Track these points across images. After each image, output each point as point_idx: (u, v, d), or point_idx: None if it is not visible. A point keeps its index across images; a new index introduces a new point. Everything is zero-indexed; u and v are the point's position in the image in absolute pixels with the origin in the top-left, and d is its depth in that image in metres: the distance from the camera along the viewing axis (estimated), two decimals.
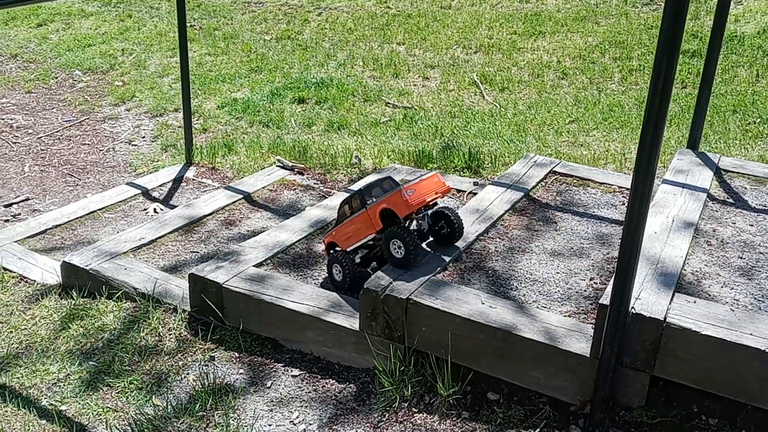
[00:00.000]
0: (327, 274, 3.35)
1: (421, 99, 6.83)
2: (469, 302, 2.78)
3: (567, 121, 6.06)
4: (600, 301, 2.52)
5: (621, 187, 3.98)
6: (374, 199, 3.11)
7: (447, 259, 3.10)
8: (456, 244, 3.23)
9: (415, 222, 3.12)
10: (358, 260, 3.27)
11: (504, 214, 3.61)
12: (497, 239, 3.37)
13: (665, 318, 2.46)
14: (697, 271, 2.91)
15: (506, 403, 2.74)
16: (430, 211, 3.12)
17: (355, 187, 4.40)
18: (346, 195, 3.24)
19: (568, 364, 2.57)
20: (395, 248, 2.97)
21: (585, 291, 2.94)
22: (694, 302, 2.59)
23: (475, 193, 4.20)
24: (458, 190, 4.32)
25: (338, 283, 3.26)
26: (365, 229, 3.13)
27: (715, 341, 2.39)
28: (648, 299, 2.56)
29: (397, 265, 2.99)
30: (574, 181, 4.08)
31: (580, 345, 2.57)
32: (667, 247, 3.00)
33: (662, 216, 3.31)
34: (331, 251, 3.35)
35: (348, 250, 3.23)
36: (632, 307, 2.48)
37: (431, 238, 3.20)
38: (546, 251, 3.27)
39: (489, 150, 5.30)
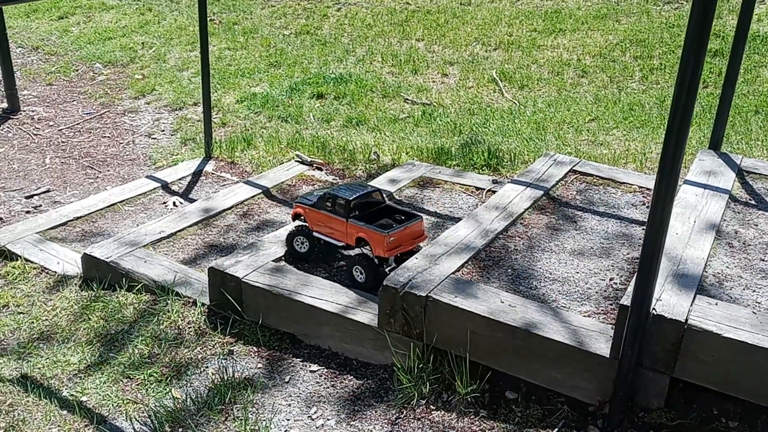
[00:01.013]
0: (286, 241, 3.47)
1: (439, 96, 6.82)
2: (488, 300, 2.77)
3: (587, 119, 6.03)
4: (621, 302, 2.51)
5: (642, 187, 3.96)
6: (357, 213, 3.25)
7: (467, 257, 3.10)
8: (475, 242, 3.22)
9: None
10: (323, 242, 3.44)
11: (524, 212, 3.60)
12: (517, 238, 3.36)
13: (686, 320, 2.45)
14: (718, 273, 2.89)
15: (524, 402, 2.74)
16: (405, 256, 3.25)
17: (375, 183, 4.40)
18: (332, 190, 3.34)
19: (587, 364, 2.56)
20: (357, 273, 3.22)
21: (605, 291, 2.93)
22: (716, 304, 2.57)
23: (494, 191, 4.19)
24: (477, 188, 4.32)
25: (301, 255, 3.43)
26: (338, 233, 3.31)
27: (737, 344, 2.37)
28: (669, 300, 2.55)
29: (356, 286, 3.21)
30: (595, 180, 4.06)
31: (600, 345, 2.56)
32: (689, 248, 2.98)
33: (684, 217, 3.29)
34: (297, 222, 3.48)
35: (314, 233, 3.40)
36: (653, 308, 2.47)
37: (393, 264, 3.28)
38: (566, 250, 3.26)
39: (508, 148, 5.28)
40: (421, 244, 3.33)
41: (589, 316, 2.75)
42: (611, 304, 2.82)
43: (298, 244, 3.43)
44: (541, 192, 3.82)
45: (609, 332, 2.60)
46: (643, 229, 3.46)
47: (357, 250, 3.33)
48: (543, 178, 4.00)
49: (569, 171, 4.14)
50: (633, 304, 2.41)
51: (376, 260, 3.20)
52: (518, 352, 2.67)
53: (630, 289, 2.52)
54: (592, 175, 4.11)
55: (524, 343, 2.64)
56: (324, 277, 3.31)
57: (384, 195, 3.41)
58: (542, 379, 2.69)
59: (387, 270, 3.22)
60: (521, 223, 3.51)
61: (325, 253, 3.52)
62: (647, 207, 3.74)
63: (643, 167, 4.88)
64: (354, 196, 3.26)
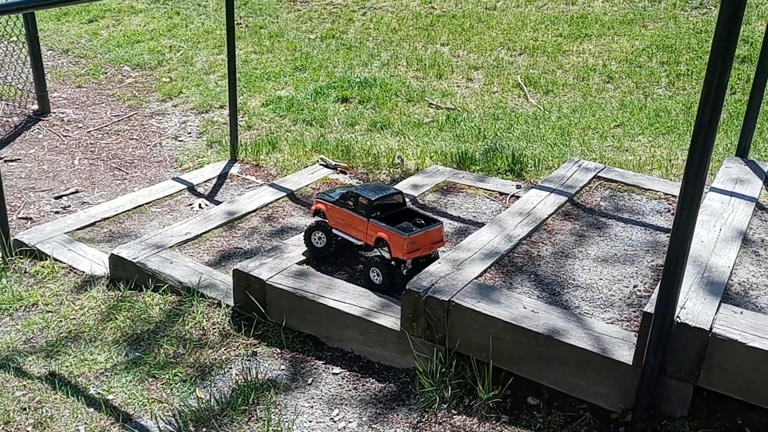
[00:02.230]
0: (304, 235, 3.55)
1: (464, 100, 6.82)
2: (511, 306, 2.78)
3: (612, 125, 6.00)
4: (645, 309, 2.50)
5: (667, 194, 3.94)
6: (378, 214, 3.30)
7: (489, 262, 3.10)
8: (499, 247, 3.23)
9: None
10: (340, 239, 3.49)
11: (547, 218, 3.60)
12: (540, 243, 3.36)
13: (711, 328, 2.43)
14: (744, 281, 2.87)
15: (546, 408, 2.74)
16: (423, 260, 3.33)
17: (399, 187, 4.42)
18: (355, 189, 3.40)
19: (610, 372, 2.55)
20: (374, 275, 3.26)
21: (628, 298, 2.92)
22: (741, 313, 2.55)
23: (517, 197, 4.19)
24: (501, 193, 4.32)
25: (318, 250, 3.50)
26: (357, 232, 3.36)
27: (762, 353, 2.35)
28: (694, 308, 2.53)
29: (371, 288, 3.25)
30: (620, 186, 4.04)
31: (623, 352, 2.55)
32: (714, 256, 2.96)
33: (709, 224, 3.27)
34: (317, 218, 3.56)
35: (333, 231, 3.46)
36: (677, 316, 2.46)
37: (410, 266, 3.33)
38: (589, 257, 3.25)
39: (532, 153, 5.28)
40: (439, 250, 3.35)
41: (612, 323, 2.74)
42: (634, 312, 2.81)
43: (315, 239, 3.49)
44: (566, 198, 3.82)
45: (632, 339, 2.59)
46: (667, 236, 3.45)
47: (375, 252, 3.36)
48: (567, 184, 3.99)
49: (594, 177, 4.13)
50: (657, 312, 2.41)
51: (393, 262, 3.24)
52: (541, 358, 2.67)
53: (654, 296, 2.51)
54: (617, 181, 4.10)
55: (547, 349, 2.64)
56: (347, 281, 3.33)
57: (405, 198, 3.44)
58: (564, 386, 2.69)
59: (404, 272, 3.25)
60: (545, 229, 3.51)
61: (340, 252, 3.56)
62: (672, 214, 3.71)
63: (668, 174, 4.85)
64: (377, 196, 3.30)
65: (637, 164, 5.02)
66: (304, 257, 3.48)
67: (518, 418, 2.71)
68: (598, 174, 4.17)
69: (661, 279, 2.38)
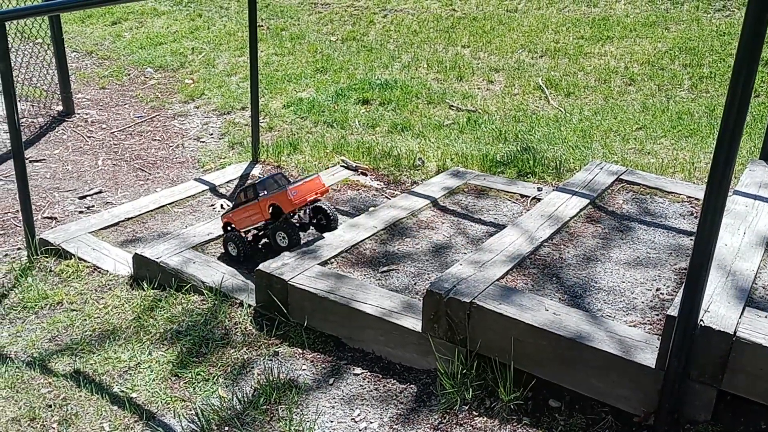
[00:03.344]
0: (223, 249, 3.91)
1: (485, 102, 6.82)
2: (533, 308, 2.77)
3: (634, 128, 5.97)
4: (668, 313, 2.49)
5: (690, 197, 3.92)
6: (266, 192, 3.72)
7: (511, 264, 3.10)
8: (521, 249, 3.23)
9: (298, 215, 3.81)
10: (250, 238, 3.93)
11: (569, 221, 3.59)
12: (562, 246, 3.35)
13: (735, 332, 2.42)
14: None
15: (568, 410, 2.73)
16: (310, 206, 3.79)
17: (418, 189, 4.43)
18: (241, 188, 3.86)
19: (632, 375, 2.54)
20: (280, 239, 3.67)
21: (651, 301, 2.90)
22: (766, 317, 2.53)
23: (539, 199, 4.18)
24: (522, 196, 4.31)
25: (234, 258, 3.83)
26: (257, 216, 3.77)
27: None
28: (717, 312, 2.52)
29: (281, 251, 3.57)
30: (642, 189, 4.02)
31: (646, 356, 2.54)
32: (738, 259, 2.94)
33: (733, 228, 3.25)
34: (227, 229, 3.94)
35: (242, 230, 3.86)
36: (701, 320, 2.44)
37: (312, 228, 3.85)
38: (612, 260, 3.24)
39: (554, 155, 5.26)
40: (321, 198, 3.78)
41: (635, 326, 2.73)
42: (657, 315, 2.80)
43: (231, 248, 3.85)
44: (588, 200, 3.80)
45: (655, 343, 2.58)
46: (691, 239, 3.43)
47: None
48: (589, 187, 3.98)
49: (616, 180, 4.11)
50: (680, 315, 2.39)
51: (294, 219, 3.68)
52: (562, 361, 2.67)
53: (677, 299, 2.50)
54: (639, 184, 4.08)
55: (569, 351, 2.64)
56: (369, 282, 3.34)
57: (288, 178, 3.92)
58: (586, 389, 2.68)
59: (305, 225, 3.78)
60: (567, 232, 3.50)
61: (253, 253, 3.90)
62: (695, 217, 3.69)
63: (691, 177, 4.82)
64: (260, 180, 3.79)
65: (660, 167, 4.99)
66: (326, 258, 3.49)
67: (539, 420, 2.71)
68: (621, 176, 4.15)
69: (685, 282, 2.37)
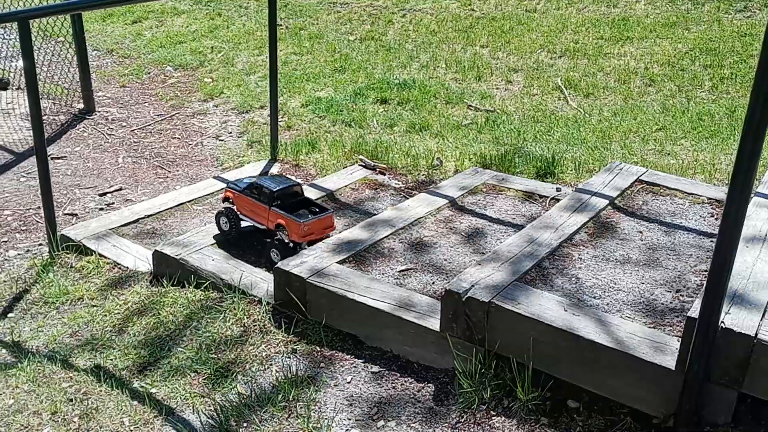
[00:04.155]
0: (215, 219, 4.03)
1: (503, 103, 6.81)
2: (551, 309, 2.77)
3: (654, 129, 5.94)
4: (688, 314, 2.47)
5: (710, 199, 3.89)
6: (278, 202, 3.81)
7: (530, 264, 3.10)
8: (539, 249, 3.22)
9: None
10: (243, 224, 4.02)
11: (588, 221, 3.58)
12: (581, 246, 3.34)
13: (756, 334, 2.40)
14: None
15: (586, 411, 2.72)
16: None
17: (436, 188, 4.43)
18: (258, 181, 3.94)
19: (652, 376, 2.53)
20: (274, 255, 3.75)
21: (671, 303, 2.89)
22: None
23: (557, 200, 4.17)
24: (540, 196, 4.30)
25: (225, 232, 3.97)
26: (260, 218, 3.88)
27: None
28: (738, 314, 2.50)
29: (271, 266, 3.59)
30: (662, 190, 4.00)
31: (666, 357, 2.53)
32: (759, 261, 2.92)
33: (754, 230, 3.22)
34: (226, 204, 4.04)
35: (240, 215, 3.97)
36: (722, 322, 2.43)
37: (306, 248, 3.72)
38: (631, 261, 3.23)
39: (572, 156, 5.24)
40: (330, 234, 3.84)
41: (654, 327, 2.72)
42: (677, 317, 2.78)
43: (222, 223, 3.98)
44: (607, 201, 3.79)
45: (675, 344, 2.57)
46: (711, 241, 3.41)
47: (277, 236, 3.83)
48: (609, 187, 3.96)
49: (635, 181, 4.09)
50: (701, 317, 2.38)
51: (291, 244, 3.74)
52: (581, 361, 2.66)
53: (698, 301, 2.49)
54: (659, 185, 4.06)
55: (588, 352, 2.63)
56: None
57: (303, 188, 4.01)
58: (605, 389, 2.67)
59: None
60: (586, 232, 3.49)
61: (244, 235, 4.01)
62: (716, 219, 3.67)
63: (711, 178, 4.79)
64: (277, 187, 3.84)
65: (680, 168, 4.96)
66: (345, 256, 3.50)
67: (558, 420, 2.70)
68: (640, 178, 4.13)
69: (706, 284, 2.36)
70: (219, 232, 4.00)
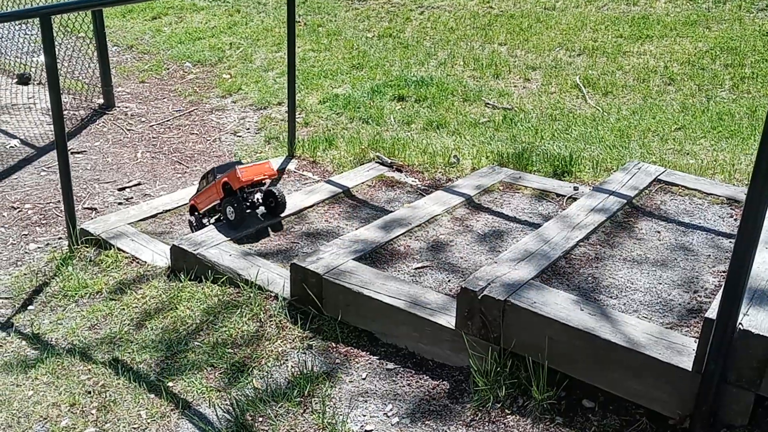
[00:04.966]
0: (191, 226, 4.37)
1: (521, 100, 6.78)
2: (567, 308, 2.76)
3: (673, 128, 5.90)
4: (706, 315, 2.46)
5: (729, 199, 3.86)
6: (220, 176, 4.12)
7: (546, 263, 3.09)
8: (556, 248, 3.21)
9: (251, 198, 4.15)
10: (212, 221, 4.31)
11: (605, 221, 3.56)
12: (598, 246, 3.33)
13: None
14: None
15: (602, 411, 2.72)
16: (264, 188, 4.18)
17: (453, 186, 4.43)
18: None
19: (668, 377, 2.52)
20: (229, 212, 3.99)
21: (688, 303, 2.87)
22: None
23: (575, 198, 4.16)
24: (558, 195, 4.29)
25: (194, 227, 4.31)
26: (215, 195, 4.15)
27: None
28: (756, 316, 2.49)
29: (229, 225, 4.01)
30: (681, 190, 3.98)
31: (683, 358, 2.51)
32: None
33: None
34: (194, 213, 4.42)
35: (202, 211, 4.30)
36: (740, 323, 2.41)
37: (264, 210, 4.20)
38: (648, 261, 3.21)
39: (590, 155, 5.22)
40: (268, 181, 4.17)
41: (671, 327, 2.70)
42: (695, 318, 2.77)
43: (195, 226, 4.31)
44: (624, 201, 3.77)
45: (692, 345, 2.56)
46: (729, 241, 3.38)
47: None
48: (626, 187, 3.94)
49: (654, 180, 4.07)
50: (719, 318, 2.37)
51: (240, 197, 4.02)
52: (597, 361, 2.65)
53: (715, 302, 2.47)
54: (678, 185, 4.03)
55: (604, 352, 2.62)
56: (403, 279, 3.36)
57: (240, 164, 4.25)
58: (621, 390, 2.66)
59: (252, 206, 4.13)
60: (602, 232, 3.47)
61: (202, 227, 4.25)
62: (735, 219, 3.64)
63: (731, 179, 4.75)
64: (218, 165, 4.22)
65: (699, 168, 4.93)
66: (361, 253, 3.51)
67: (573, 420, 2.70)
68: (659, 177, 4.11)
69: (724, 285, 2.34)
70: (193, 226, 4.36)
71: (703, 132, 5.76)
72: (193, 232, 4.19)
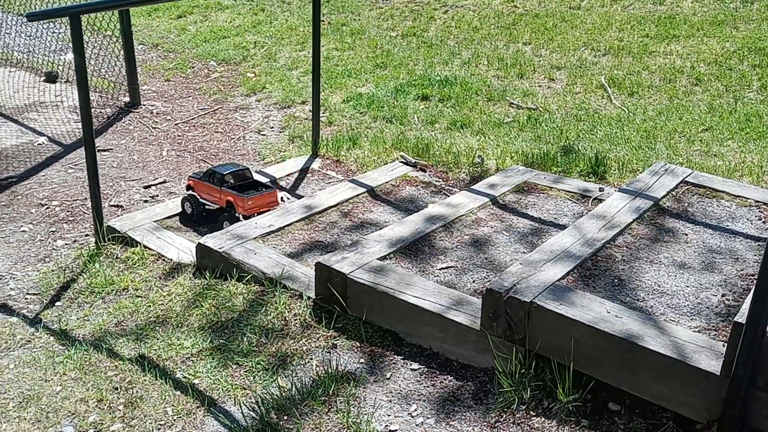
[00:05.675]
0: (181, 203, 4.61)
1: (546, 100, 6.75)
2: (593, 310, 2.75)
3: (700, 129, 5.84)
4: (735, 319, 2.43)
5: (758, 201, 3.82)
6: (230, 183, 4.43)
7: (572, 265, 3.08)
8: (582, 250, 3.20)
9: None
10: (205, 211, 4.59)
11: (632, 222, 3.54)
12: (624, 248, 3.31)
13: None
14: None
15: (628, 414, 2.70)
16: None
17: (477, 186, 4.42)
18: (213, 168, 4.61)
19: (696, 381, 2.50)
20: (225, 224, 4.24)
21: (716, 307, 2.85)
22: None
23: (600, 200, 4.13)
24: (583, 196, 4.26)
25: (188, 216, 4.55)
26: (215, 198, 4.47)
27: None
28: None
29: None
30: (708, 192, 3.94)
31: (711, 362, 2.49)
32: None
33: None
34: (189, 191, 4.61)
35: (200, 199, 4.54)
36: None
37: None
38: (675, 263, 3.19)
39: (616, 156, 5.18)
40: (273, 210, 4.33)
41: (699, 331, 2.68)
42: (723, 321, 2.74)
43: (186, 207, 4.55)
44: (651, 202, 3.74)
45: (720, 349, 2.53)
46: (759, 244, 3.35)
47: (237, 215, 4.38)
48: (653, 188, 3.91)
49: (681, 182, 4.03)
50: (748, 322, 2.34)
51: (240, 217, 4.29)
52: (623, 364, 2.64)
53: (745, 306, 2.45)
54: (705, 186, 3.99)
55: (629, 355, 2.60)
56: (427, 279, 3.36)
57: (252, 172, 4.65)
58: (647, 393, 2.65)
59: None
60: (629, 233, 3.45)
61: (206, 218, 4.54)
62: (763, 222, 3.60)
63: (759, 181, 4.70)
64: (227, 171, 4.47)
65: (727, 170, 4.87)
66: (386, 253, 3.52)
67: (598, 423, 2.68)
68: (686, 179, 4.07)
69: (754, 289, 2.32)
70: (185, 215, 4.59)
71: (730, 133, 5.70)
72: (185, 211, 4.53)
